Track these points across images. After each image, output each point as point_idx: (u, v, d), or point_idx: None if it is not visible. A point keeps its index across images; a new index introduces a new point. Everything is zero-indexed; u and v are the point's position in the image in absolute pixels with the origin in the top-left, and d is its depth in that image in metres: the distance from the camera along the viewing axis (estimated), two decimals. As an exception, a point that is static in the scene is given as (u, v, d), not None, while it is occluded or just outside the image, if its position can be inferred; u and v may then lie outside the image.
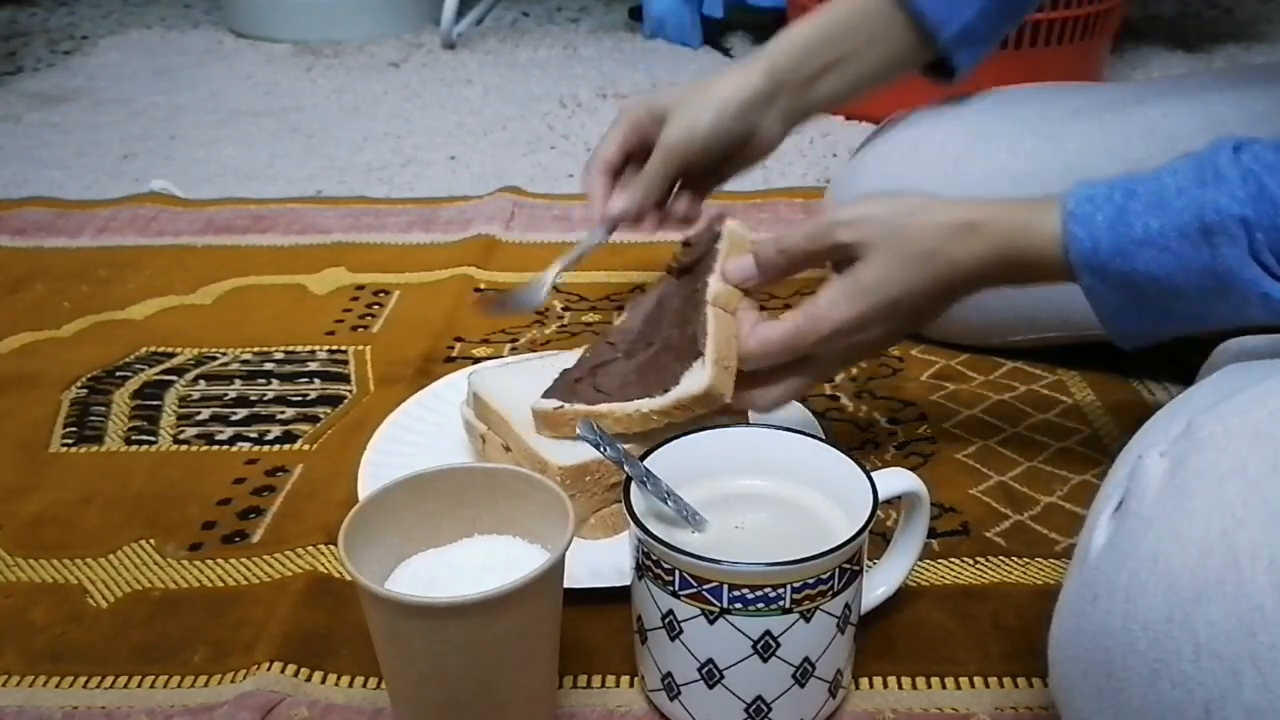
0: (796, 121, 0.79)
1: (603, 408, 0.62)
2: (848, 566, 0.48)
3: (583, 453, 0.61)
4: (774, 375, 0.63)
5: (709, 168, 0.78)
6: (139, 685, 0.56)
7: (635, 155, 0.79)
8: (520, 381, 0.68)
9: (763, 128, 0.77)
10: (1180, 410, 0.45)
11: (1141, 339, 0.58)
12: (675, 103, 0.76)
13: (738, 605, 0.46)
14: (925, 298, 0.59)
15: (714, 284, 0.64)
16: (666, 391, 0.61)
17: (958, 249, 0.58)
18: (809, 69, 0.76)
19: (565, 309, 0.94)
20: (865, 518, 0.48)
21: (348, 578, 0.58)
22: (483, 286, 0.98)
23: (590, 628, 0.58)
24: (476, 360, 0.84)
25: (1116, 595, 0.40)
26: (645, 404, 0.61)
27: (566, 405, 0.63)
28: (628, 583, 0.52)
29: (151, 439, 0.77)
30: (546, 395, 0.65)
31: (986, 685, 0.55)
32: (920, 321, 0.62)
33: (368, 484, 0.66)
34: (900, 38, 0.77)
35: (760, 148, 0.78)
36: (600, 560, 0.60)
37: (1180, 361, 0.77)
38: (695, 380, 0.60)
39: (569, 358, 0.73)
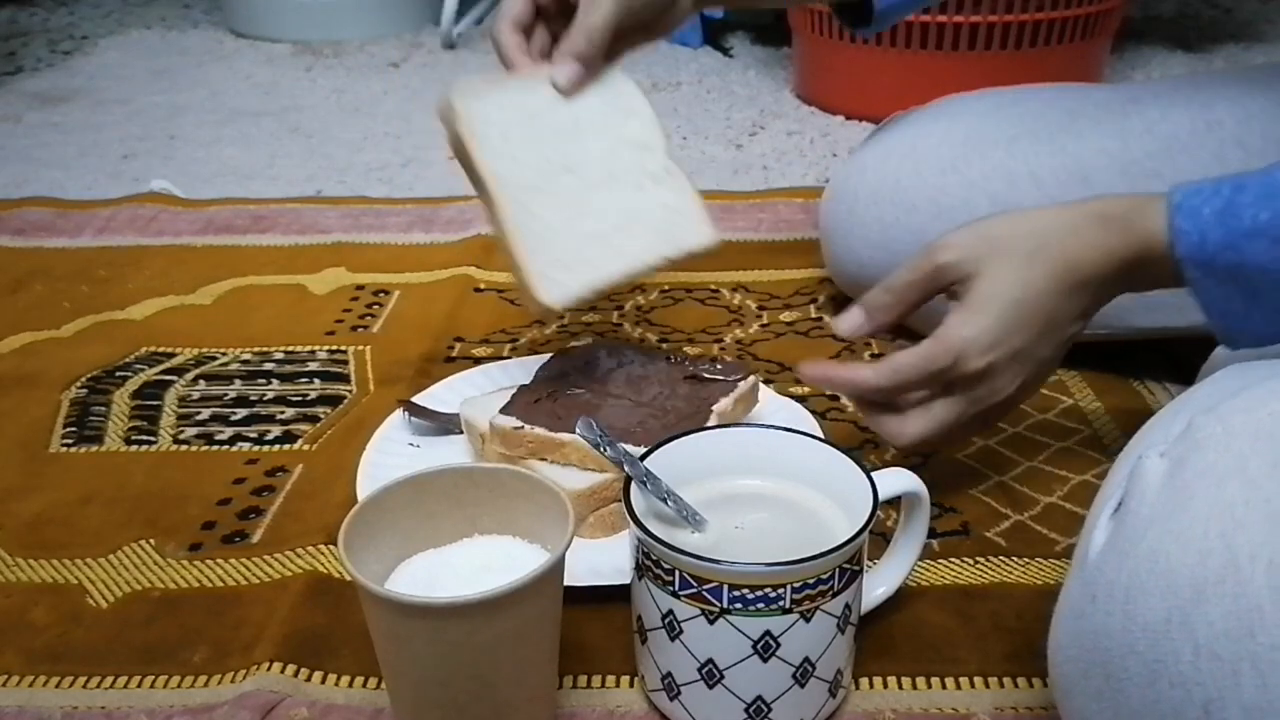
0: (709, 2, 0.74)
1: (566, 437, 0.63)
2: (848, 567, 0.48)
3: (584, 481, 0.62)
4: (913, 406, 0.61)
5: (631, 28, 0.70)
6: (139, 685, 0.56)
7: (546, 12, 0.71)
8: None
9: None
10: (1181, 410, 0.45)
11: (1253, 338, 0.57)
12: None
13: (738, 605, 0.46)
14: (1052, 297, 0.58)
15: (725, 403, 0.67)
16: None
17: (1068, 243, 0.57)
18: None
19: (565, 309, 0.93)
20: (865, 518, 0.48)
21: (348, 578, 0.58)
22: (482, 286, 0.98)
23: (590, 628, 0.58)
24: (477, 360, 0.84)
25: (1116, 596, 0.40)
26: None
27: (526, 427, 0.64)
28: (627, 582, 0.52)
29: (151, 439, 0.77)
30: (505, 411, 0.66)
31: (986, 685, 0.55)
32: (1062, 328, 0.59)
33: (367, 484, 0.66)
34: None
35: (675, 17, 0.72)
36: (600, 560, 0.60)
37: (1180, 361, 0.78)
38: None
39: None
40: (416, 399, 0.75)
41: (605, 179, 0.68)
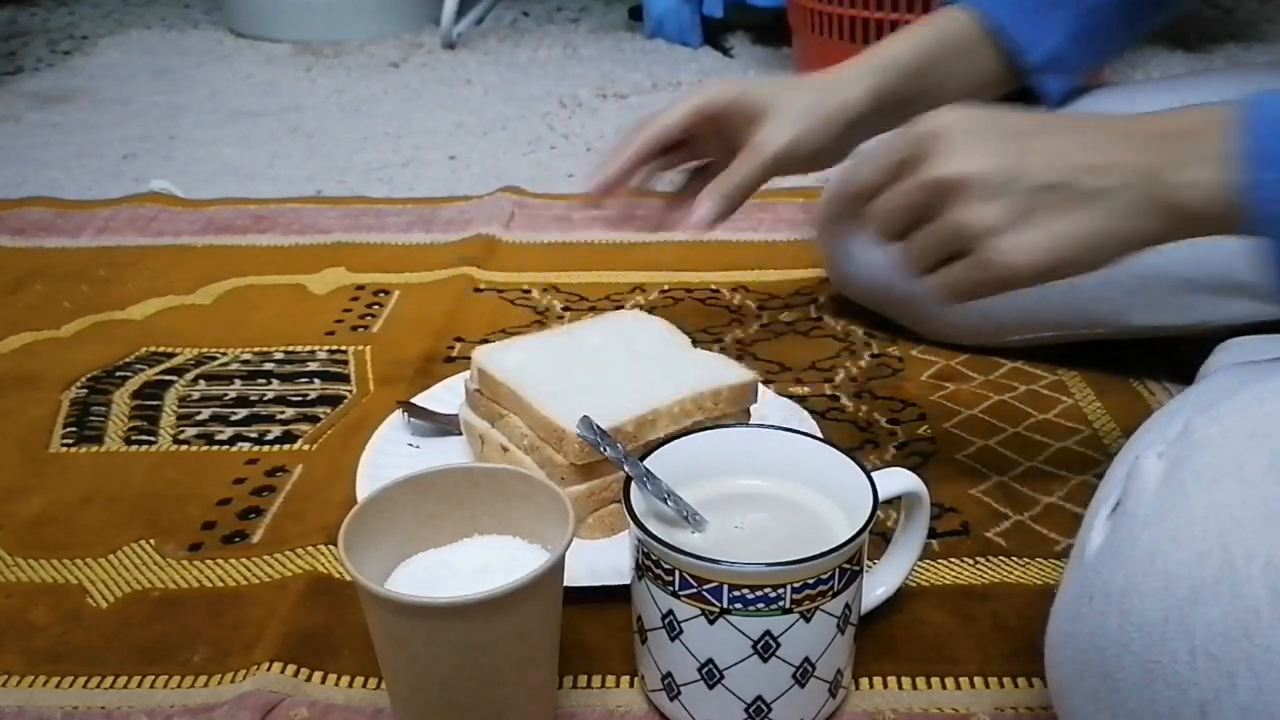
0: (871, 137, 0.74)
1: None
2: (848, 567, 0.48)
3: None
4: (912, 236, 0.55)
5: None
6: (139, 685, 0.56)
7: (697, 138, 0.72)
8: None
9: (850, 145, 0.72)
10: (1178, 411, 0.45)
11: None
12: (773, 102, 0.69)
13: (738, 605, 0.46)
14: (1020, 120, 0.53)
15: None
16: None
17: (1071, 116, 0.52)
18: (908, 92, 0.71)
19: (565, 309, 0.94)
20: (865, 518, 0.48)
21: (348, 578, 0.58)
22: (482, 286, 0.98)
23: (590, 628, 0.58)
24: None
25: (1112, 596, 0.40)
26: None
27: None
28: (627, 582, 0.52)
29: (151, 439, 0.77)
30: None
31: (986, 685, 0.55)
32: (1064, 153, 0.50)
33: (367, 484, 0.66)
34: (988, 63, 0.75)
35: (830, 161, 0.73)
36: (599, 560, 0.60)
37: (1180, 361, 0.78)
38: None
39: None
40: (416, 399, 0.75)
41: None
